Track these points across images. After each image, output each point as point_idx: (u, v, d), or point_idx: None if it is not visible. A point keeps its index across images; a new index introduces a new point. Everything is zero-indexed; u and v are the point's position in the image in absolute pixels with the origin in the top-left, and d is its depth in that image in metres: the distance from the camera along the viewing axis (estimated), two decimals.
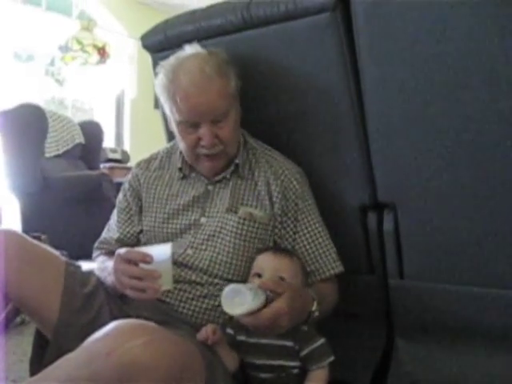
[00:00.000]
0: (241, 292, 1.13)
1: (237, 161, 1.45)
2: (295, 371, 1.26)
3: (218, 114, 1.36)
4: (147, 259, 1.22)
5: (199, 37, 1.51)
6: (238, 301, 1.13)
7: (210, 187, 1.47)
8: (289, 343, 1.25)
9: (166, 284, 1.25)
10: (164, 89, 1.39)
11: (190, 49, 1.42)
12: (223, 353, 1.26)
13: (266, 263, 1.30)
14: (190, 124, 1.37)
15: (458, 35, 1.17)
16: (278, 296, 1.16)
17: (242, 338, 1.27)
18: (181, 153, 1.50)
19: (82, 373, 0.97)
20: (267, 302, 1.15)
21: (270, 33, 1.43)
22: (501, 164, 1.24)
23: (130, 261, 1.24)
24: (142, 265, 1.23)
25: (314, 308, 1.25)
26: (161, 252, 1.26)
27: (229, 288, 1.15)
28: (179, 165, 1.50)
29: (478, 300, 1.40)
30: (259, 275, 1.29)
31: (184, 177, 1.51)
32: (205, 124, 1.35)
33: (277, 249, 1.36)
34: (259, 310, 1.14)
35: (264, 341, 1.25)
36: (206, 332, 1.24)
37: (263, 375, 1.27)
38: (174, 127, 1.44)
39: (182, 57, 1.40)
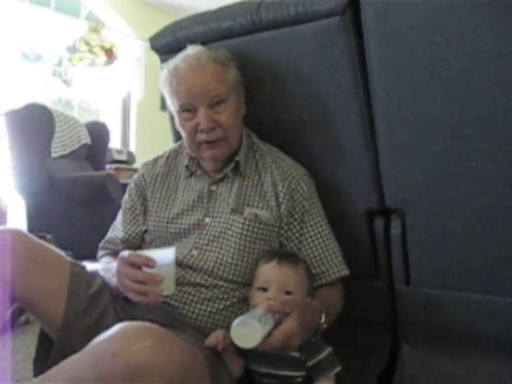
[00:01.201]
0: (249, 324, 1.10)
1: (237, 158, 1.46)
2: (299, 379, 1.26)
3: (214, 97, 1.38)
4: (150, 263, 1.22)
5: (208, 39, 1.52)
6: (249, 333, 1.10)
7: (213, 187, 1.48)
8: (295, 354, 1.24)
9: (169, 288, 1.25)
10: (165, 81, 1.44)
11: (192, 48, 1.46)
12: (229, 358, 1.25)
13: (271, 277, 1.28)
14: (188, 109, 1.40)
15: (471, 38, 1.16)
16: (287, 315, 1.15)
17: None
18: (188, 153, 1.51)
19: (88, 374, 0.97)
20: (276, 324, 1.14)
21: (279, 36, 1.43)
22: (511, 170, 1.23)
23: (133, 264, 1.24)
24: (144, 268, 1.23)
25: (322, 320, 1.24)
26: (164, 256, 1.26)
27: (237, 322, 1.12)
28: (186, 162, 1.52)
29: (484, 307, 1.40)
30: (264, 289, 1.28)
31: (190, 175, 1.52)
32: (202, 107, 1.38)
33: (281, 257, 1.32)
34: (269, 333, 1.12)
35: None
36: (217, 338, 1.23)
37: (267, 381, 1.27)
38: (177, 122, 1.47)
39: (183, 53, 1.45)
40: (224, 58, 1.43)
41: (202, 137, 1.41)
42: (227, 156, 1.46)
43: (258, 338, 1.09)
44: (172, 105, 1.46)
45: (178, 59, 1.43)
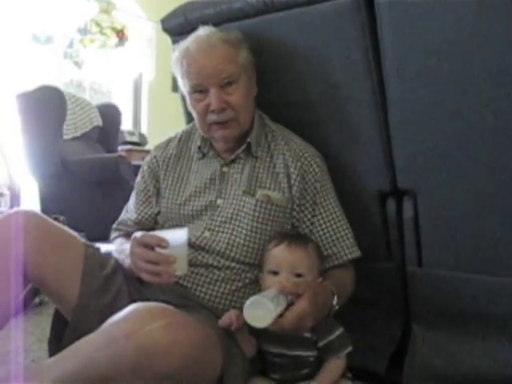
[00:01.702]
0: (262, 303, 1.10)
1: (249, 139, 1.46)
2: (311, 359, 1.27)
3: (224, 78, 1.38)
4: (163, 244, 1.22)
5: (220, 20, 1.51)
6: (261, 312, 1.10)
7: (224, 169, 1.48)
8: (307, 334, 1.25)
9: (181, 269, 1.26)
10: (177, 62, 1.44)
11: (204, 29, 1.45)
12: (241, 338, 1.26)
13: (281, 260, 1.28)
14: (199, 90, 1.41)
15: (482, 23, 1.15)
16: (299, 297, 1.15)
17: None
18: (200, 134, 1.52)
19: (102, 354, 0.98)
20: (288, 305, 1.14)
21: (290, 17, 1.42)
22: None
23: (146, 245, 1.25)
24: (157, 249, 1.24)
25: (334, 302, 1.25)
26: (177, 237, 1.26)
27: (249, 301, 1.12)
28: (198, 143, 1.52)
29: (496, 289, 1.39)
30: (275, 272, 1.28)
31: (203, 156, 1.52)
32: (212, 88, 1.38)
33: (291, 240, 1.31)
34: (282, 314, 1.12)
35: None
36: (230, 318, 1.24)
37: (279, 360, 1.28)
38: (189, 104, 1.47)
39: (195, 34, 1.45)
40: (235, 39, 1.43)
41: (212, 117, 1.41)
42: (238, 137, 1.46)
43: (271, 318, 1.10)
44: (183, 86, 1.46)
45: (189, 40, 1.43)
